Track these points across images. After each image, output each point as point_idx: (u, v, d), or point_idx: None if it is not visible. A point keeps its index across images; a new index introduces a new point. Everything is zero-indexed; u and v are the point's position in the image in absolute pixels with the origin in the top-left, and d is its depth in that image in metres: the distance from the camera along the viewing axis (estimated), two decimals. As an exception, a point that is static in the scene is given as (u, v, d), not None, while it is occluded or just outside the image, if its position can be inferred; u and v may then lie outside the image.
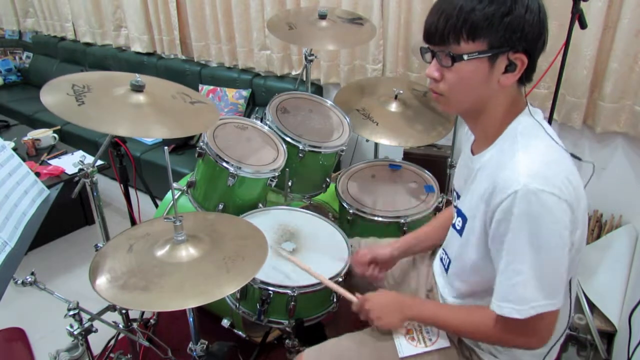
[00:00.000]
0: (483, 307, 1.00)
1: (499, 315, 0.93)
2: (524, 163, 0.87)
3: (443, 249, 1.20)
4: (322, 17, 1.89)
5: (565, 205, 0.85)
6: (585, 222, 0.94)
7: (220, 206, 1.61)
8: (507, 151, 0.92)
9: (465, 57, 0.89)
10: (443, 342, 1.11)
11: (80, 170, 1.42)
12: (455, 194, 1.17)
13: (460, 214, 1.06)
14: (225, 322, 1.53)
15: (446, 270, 1.17)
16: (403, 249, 1.33)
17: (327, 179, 1.88)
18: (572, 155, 0.94)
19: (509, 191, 0.86)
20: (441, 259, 1.22)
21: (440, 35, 0.90)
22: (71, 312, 1.29)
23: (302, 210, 1.66)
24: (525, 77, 0.94)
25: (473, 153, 1.04)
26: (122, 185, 1.86)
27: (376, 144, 2.39)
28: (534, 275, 0.87)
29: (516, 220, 0.86)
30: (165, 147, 1.11)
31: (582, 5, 1.56)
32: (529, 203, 0.84)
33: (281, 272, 1.36)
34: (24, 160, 1.46)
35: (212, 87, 3.11)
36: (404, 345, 1.11)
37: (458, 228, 1.07)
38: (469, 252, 1.02)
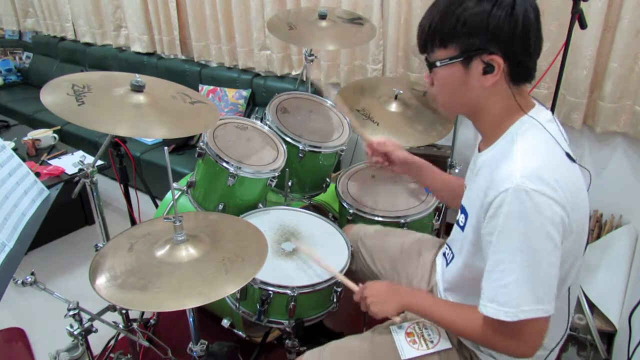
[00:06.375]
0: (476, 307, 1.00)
1: (486, 316, 0.91)
2: (520, 162, 0.87)
3: (447, 245, 1.21)
4: (322, 17, 1.89)
5: (558, 207, 0.83)
6: (583, 230, 0.93)
7: (220, 206, 1.61)
8: (506, 150, 0.92)
9: (438, 63, 0.92)
10: (444, 344, 1.10)
11: (80, 170, 1.42)
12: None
13: (463, 210, 1.07)
14: (225, 322, 1.53)
15: (447, 264, 1.17)
16: (416, 164, 1.37)
17: (327, 179, 1.88)
18: (569, 157, 0.91)
19: (501, 188, 0.86)
20: (444, 254, 1.22)
21: (421, 43, 0.95)
22: (71, 312, 1.29)
23: (302, 210, 1.66)
24: (513, 78, 0.91)
25: (479, 150, 1.05)
26: (122, 185, 1.86)
27: (376, 144, 2.39)
28: (524, 277, 0.85)
29: (506, 218, 0.85)
30: (165, 147, 1.11)
31: (582, 5, 1.56)
32: (520, 202, 0.83)
33: (281, 272, 1.36)
34: (24, 160, 1.46)
35: (212, 87, 3.11)
36: (405, 347, 1.10)
37: (461, 224, 1.07)
38: (466, 248, 1.03)
